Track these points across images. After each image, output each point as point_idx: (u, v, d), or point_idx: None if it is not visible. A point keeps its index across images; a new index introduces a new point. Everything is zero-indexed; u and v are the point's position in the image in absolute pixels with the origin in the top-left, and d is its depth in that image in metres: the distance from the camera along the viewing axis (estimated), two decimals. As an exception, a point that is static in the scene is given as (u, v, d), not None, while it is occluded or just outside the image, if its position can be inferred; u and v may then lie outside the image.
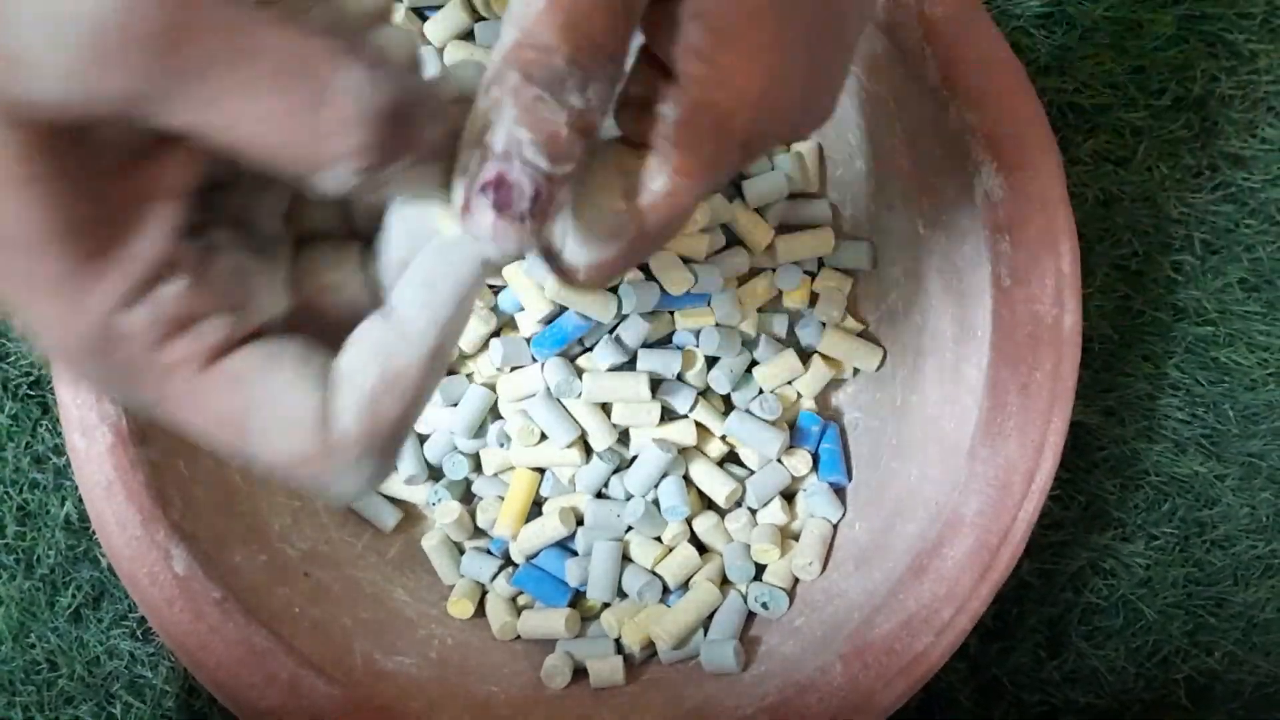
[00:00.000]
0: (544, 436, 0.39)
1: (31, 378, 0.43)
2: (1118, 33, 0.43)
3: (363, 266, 0.21)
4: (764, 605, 0.38)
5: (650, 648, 0.39)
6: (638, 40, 0.21)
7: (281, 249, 0.21)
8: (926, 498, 0.36)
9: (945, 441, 0.36)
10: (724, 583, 0.40)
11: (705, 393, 0.40)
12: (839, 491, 0.40)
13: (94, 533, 0.39)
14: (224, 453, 0.19)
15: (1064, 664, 0.42)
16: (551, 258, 0.22)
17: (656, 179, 0.21)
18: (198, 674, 0.33)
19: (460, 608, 0.40)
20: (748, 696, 0.34)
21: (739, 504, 0.40)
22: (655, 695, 0.37)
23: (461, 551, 0.41)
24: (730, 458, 0.41)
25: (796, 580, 0.39)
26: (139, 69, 0.15)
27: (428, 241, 0.20)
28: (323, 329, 0.21)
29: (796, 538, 0.40)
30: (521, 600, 0.40)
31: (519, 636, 0.39)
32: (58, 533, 0.42)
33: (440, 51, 0.39)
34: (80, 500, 0.41)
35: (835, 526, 0.40)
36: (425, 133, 0.18)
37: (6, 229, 0.17)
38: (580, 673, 0.38)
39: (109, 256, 0.17)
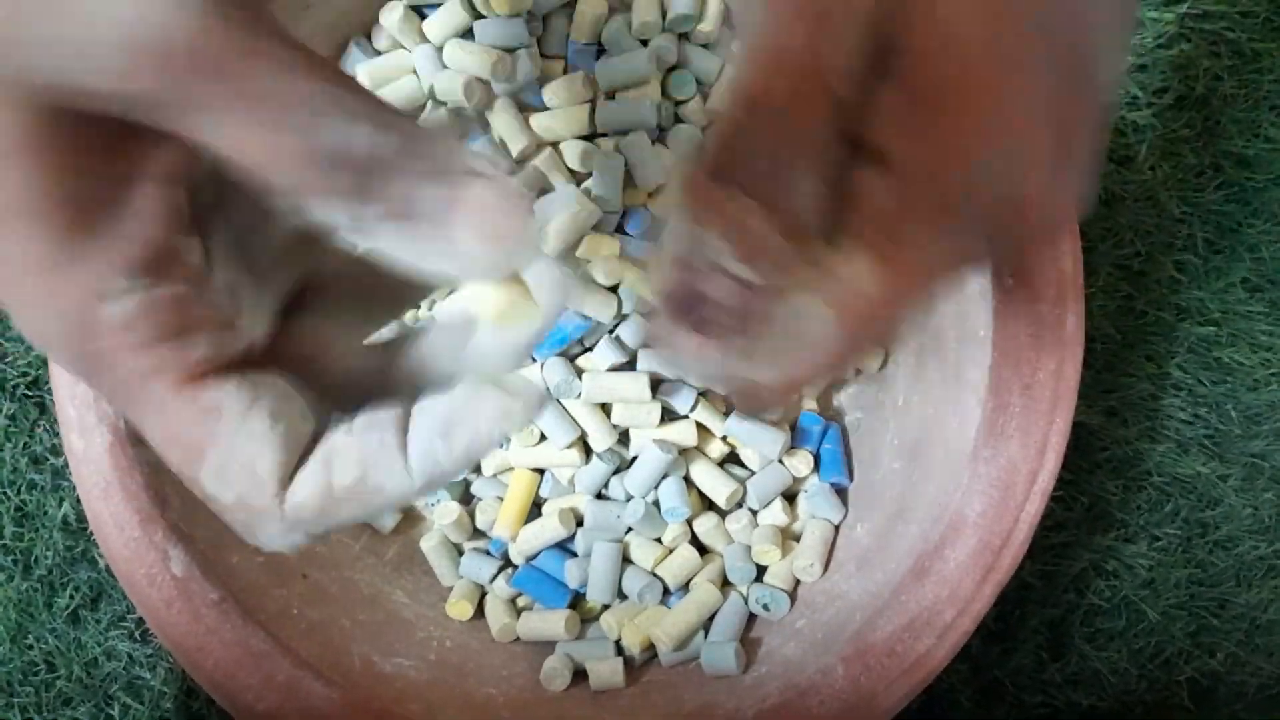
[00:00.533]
0: (543, 437, 0.39)
1: (29, 378, 0.42)
2: (1120, 31, 0.42)
3: (381, 351, 0.21)
4: (765, 607, 0.38)
5: (650, 649, 0.39)
6: None
7: (275, 275, 0.20)
8: (928, 499, 0.36)
9: (947, 442, 0.36)
10: (724, 584, 0.39)
11: (706, 393, 0.40)
12: (840, 492, 0.40)
13: (92, 534, 0.39)
14: (169, 464, 0.19)
15: (1066, 665, 0.42)
16: (731, 375, 0.19)
17: (869, 280, 0.17)
18: (195, 675, 0.33)
19: (459, 609, 0.40)
20: (748, 698, 0.34)
21: (740, 505, 0.40)
22: (655, 697, 0.37)
23: (460, 553, 0.41)
24: (731, 458, 0.41)
25: (798, 582, 0.39)
26: (164, 83, 0.16)
27: (463, 334, 0.19)
28: (316, 377, 0.20)
29: (797, 539, 0.40)
30: (521, 602, 0.40)
31: (518, 638, 0.39)
32: (55, 534, 0.42)
33: (439, 50, 0.39)
34: (78, 501, 0.41)
35: (836, 528, 0.40)
36: (395, 188, 0.17)
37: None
38: (580, 675, 0.38)
39: (98, 234, 0.17)
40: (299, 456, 0.19)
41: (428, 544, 0.40)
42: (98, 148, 0.17)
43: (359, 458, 0.19)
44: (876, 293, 0.17)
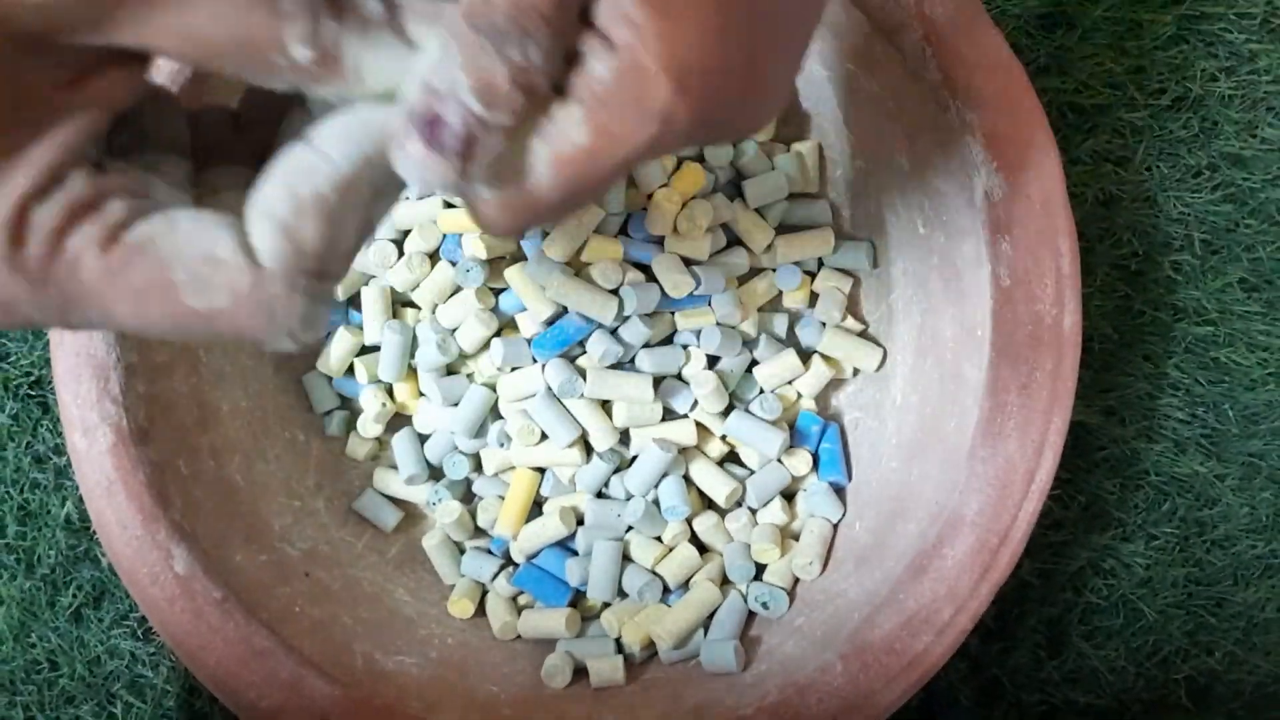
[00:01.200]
0: (544, 436, 0.39)
1: (32, 377, 0.43)
2: (1117, 33, 0.43)
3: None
4: (764, 605, 0.38)
5: (651, 647, 0.39)
6: None
7: (182, 195, 0.22)
8: (927, 497, 0.36)
9: (945, 441, 0.36)
10: (724, 583, 0.40)
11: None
12: (839, 491, 0.40)
13: (94, 532, 0.39)
14: (167, 329, 0.20)
15: (1064, 664, 0.42)
16: (467, 197, 0.22)
17: (578, 130, 0.21)
18: (198, 673, 0.33)
19: (461, 607, 0.40)
20: (748, 696, 0.34)
21: (739, 504, 0.40)
22: (655, 695, 0.37)
23: (462, 551, 0.41)
24: (730, 458, 0.41)
25: (797, 580, 0.39)
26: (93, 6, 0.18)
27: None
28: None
29: (797, 538, 0.40)
30: (522, 600, 0.40)
31: (519, 636, 0.40)
32: (58, 532, 0.42)
33: None
34: (81, 500, 0.41)
35: (835, 526, 0.40)
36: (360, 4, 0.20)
37: None
38: (580, 672, 0.38)
39: (25, 150, 0.19)
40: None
41: (429, 542, 0.41)
42: (31, 82, 0.19)
43: (283, 181, 0.20)
44: (583, 142, 0.21)
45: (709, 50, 0.21)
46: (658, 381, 0.39)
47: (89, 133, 0.20)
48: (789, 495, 0.41)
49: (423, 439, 0.41)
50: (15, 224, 0.19)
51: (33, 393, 0.43)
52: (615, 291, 0.38)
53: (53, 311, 0.20)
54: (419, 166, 0.20)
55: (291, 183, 0.20)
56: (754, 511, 0.40)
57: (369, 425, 0.41)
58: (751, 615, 0.39)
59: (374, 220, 0.22)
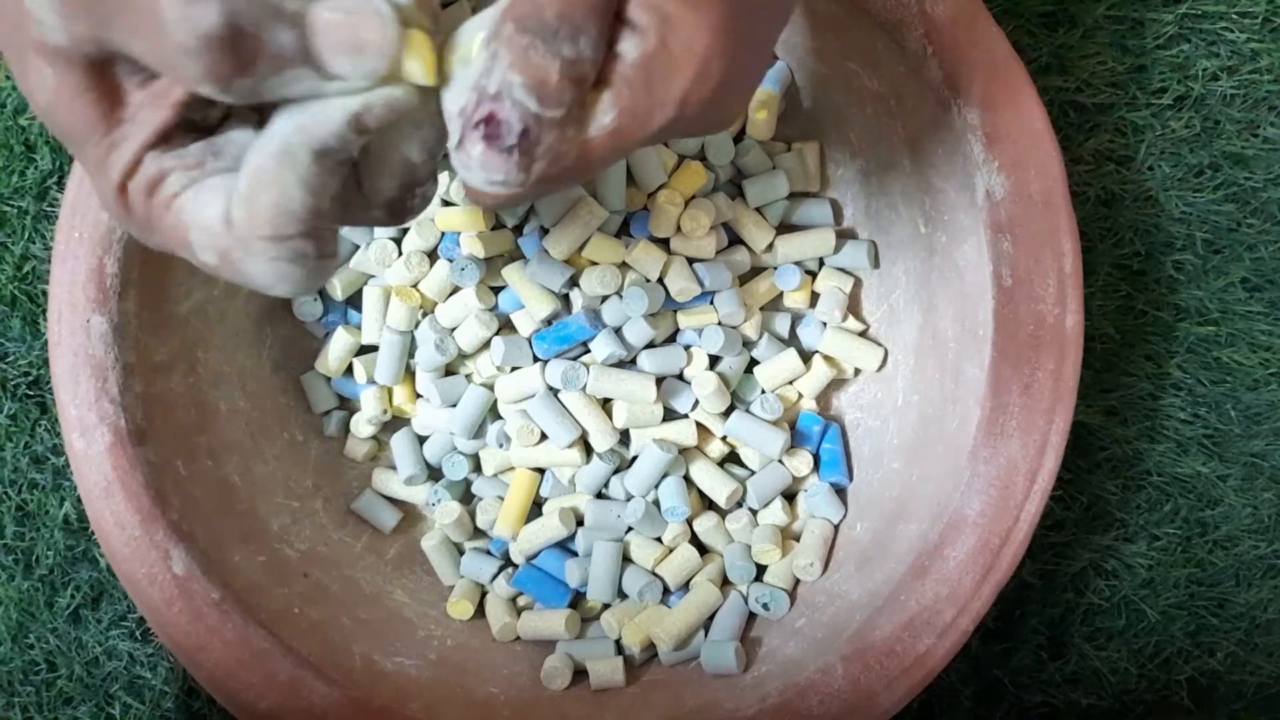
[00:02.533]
0: (544, 436, 0.39)
1: (30, 378, 0.43)
2: (1119, 32, 0.42)
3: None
4: (765, 606, 0.38)
5: (651, 649, 0.39)
6: None
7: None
8: (928, 498, 0.36)
9: (947, 441, 0.36)
10: (724, 583, 0.40)
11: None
12: (840, 492, 0.40)
13: (93, 533, 0.39)
14: (192, 260, 0.24)
15: (1066, 665, 0.42)
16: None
17: (607, 114, 0.23)
18: (196, 674, 0.33)
19: (460, 609, 0.40)
20: (748, 698, 0.34)
21: (740, 504, 0.40)
22: (656, 696, 0.37)
23: (461, 552, 0.41)
24: (731, 458, 0.41)
25: (797, 581, 0.39)
26: (83, 23, 0.22)
27: None
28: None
29: (797, 538, 0.40)
30: (521, 601, 0.40)
31: (518, 638, 0.39)
32: (56, 533, 0.42)
33: None
34: (79, 501, 0.41)
35: (836, 527, 0.40)
36: (268, 47, 0.22)
37: (65, 127, 0.24)
38: (581, 674, 0.38)
39: (120, 139, 0.24)
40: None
41: (428, 543, 0.41)
42: (118, 88, 0.24)
43: (245, 162, 0.24)
44: (609, 125, 0.23)
45: (724, 39, 0.23)
46: (659, 382, 0.39)
47: (164, 121, 0.24)
48: (790, 496, 0.41)
49: (421, 439, 0.41)
50: (116, 193, 0.24)
51: (31, 393, 0.43)
52: (618, 293, 0.38)
53: (155, 245, 0.25)
54: (481, 166, 0.22)
55: (250, 163, 0.23)
56: (755, 512, 0.40)
57: (362, 425, 0.41)
58: (752, 616, 0.39)
59: (328, 183, 0.24)
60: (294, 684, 0.33)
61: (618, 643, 0.39)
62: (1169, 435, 0.43)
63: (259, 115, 0.25)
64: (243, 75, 0.22)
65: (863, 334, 0.41)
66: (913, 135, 0.37)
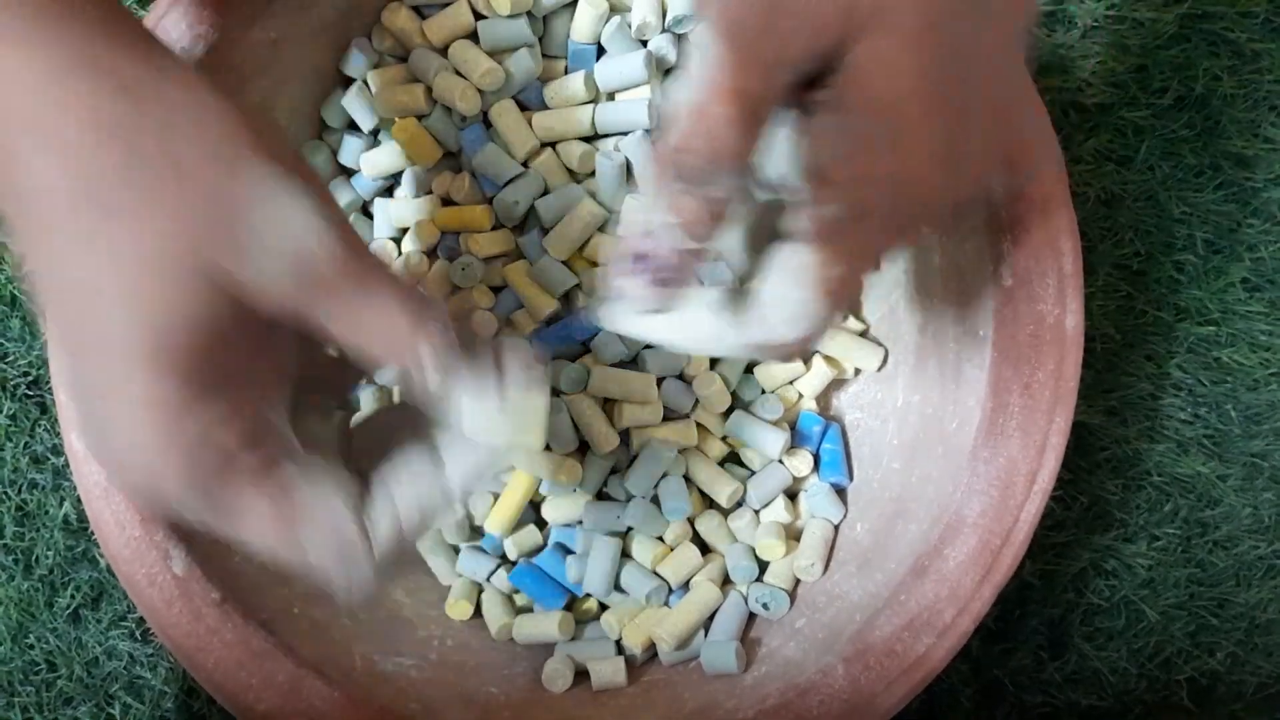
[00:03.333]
0: (547, 446, 0.39)
1: (30, 377, 0.42)
2: (1120, 32, 0.42)
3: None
4: (765, 606, 0.38)
5: (651, 649, 0.39)
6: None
7: (339, 409, 0.30)
8: (928, 498, 0.36)
9: (947, 442, 0.36)
10: (724, 583, 0.39)
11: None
12: (840, 492, 0.40)
13: (93, 533, 0.39)
14: (272, 549, 0.26)
15: (1066, 665, 0.42)
16: (764, 342, 0.28)
17: (833, 269, 0.26)
18: (196, 675, 0.33)
19: (459, 609, 0.40)
20: (749, 698, 0.34)
21: (740, 504, 0.40)
22: (656, 697, 0.37)
23: (457, 551, 0.41)
24: (731, 458, 0.41)
25: (797, 581, 0.39)
26: (319, 298, 0.24)
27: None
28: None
29: (798, 538, 0.40)
30: (519, 600, 0.40)
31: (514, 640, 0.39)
32: (56, 533, 0.42)
33: (444, 50, 0.39)
34: (79, 501, 0.41)
35: (837, 527, 0.40)
36: (474, 359, 0.26)
37: (155, 346, 0.23)
38: (581, 674, 0.38)
39: (228, 389, 0.24)
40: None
41: (423, 544, 0.40)
42: (236, 339, 0.24)
43: (414, 493, 0.27)
44: (837, 275, 0.26)
45: (927, 169, 0.25)
46: (659, 382, 0.39)
47: (278, 394, 0.26)
48: (790, 495, 0.40)
49: None
50: (197, 450, 0.24)
51: (31, 393, 0.43)
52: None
53: (202, 515, 0.25)
54: (637, 295, 0.26)
55: (419, 496, 0.27)
56: (757, 512, 0.40)
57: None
58: (752, 617, 0.39)
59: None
60: (294, 684, 0.33)
61: (618, 643, 0.39)
62: (1169, 435, 0.43)
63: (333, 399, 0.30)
64: (458, 368, 0.26)
65: (863, 334, 0.41)
66: (913, 135, 0.37)
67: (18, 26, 0.22)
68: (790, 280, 0.26)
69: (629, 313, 0.27)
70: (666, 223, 0.25)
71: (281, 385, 0.27)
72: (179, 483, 0.24)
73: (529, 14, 0.39)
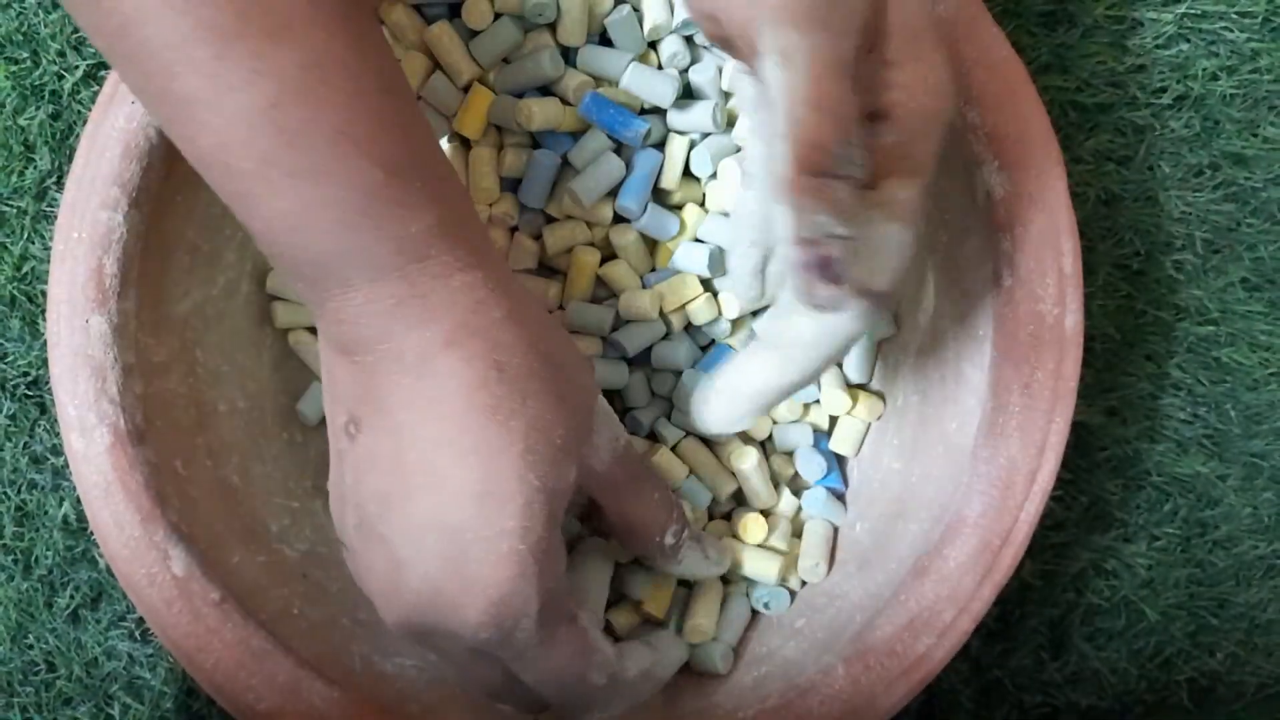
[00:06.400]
0: None
1: (29, 378, 0.42)
2: (1119, 31, 0.42)
3: None
4: (765, 605, 0.38)
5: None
6: None
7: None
8: (928, 498, 0.36)
9: (947, 441, 0.36)
10: (725, 583, 0.39)
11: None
12: (839, 493, 0.40)
13: (92, 534, 0.39)
14: (563, 689, 0.30)
15: (1066, 665, 0.42)
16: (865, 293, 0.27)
17: (905, 190, 0.27)
18: (196, 675, 0.33)
19: None
20: (749, 698, 0.34)
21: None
22: (656, 697, 0.37)
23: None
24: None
25: (804, 583, 0.39)
26: (619, 478, 0.32)
27: None
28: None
29: (799, 534, 0.40)
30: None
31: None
32: (56, 533, 0.42)
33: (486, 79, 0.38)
34: (78, 501, 0.41)
35: (836, 528, 0.40)
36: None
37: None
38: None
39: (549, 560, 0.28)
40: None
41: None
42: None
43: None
44: (911, 194, 0.27)
45: (939, 65, 0.27)
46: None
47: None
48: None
49: None
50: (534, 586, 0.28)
51: (30, 393, 0.43)
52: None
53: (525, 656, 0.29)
54: (839, 302, 0.26)
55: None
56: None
57: None
58: (753, 616, 0.39)
59: None
60: (294, 685, 0.33)
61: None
62: (1169, 435, 0.43)
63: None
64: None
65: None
66: (913, 135, 0.37)
67: (462, 256, 0.27)
68: (881, 224, 0.27)
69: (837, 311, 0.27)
70: (821, 221, 0.25)
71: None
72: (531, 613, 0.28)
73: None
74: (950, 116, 0.28)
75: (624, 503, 0.32)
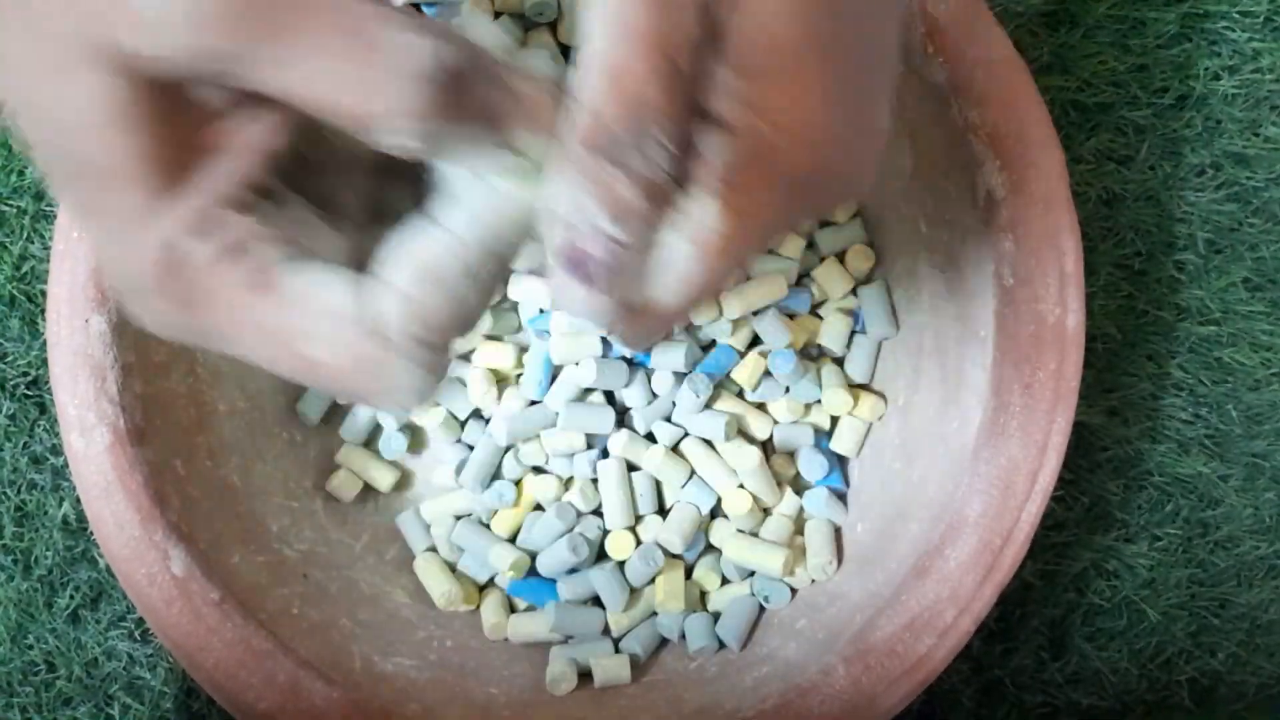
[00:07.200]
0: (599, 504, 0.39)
1: (29, 377, 0.42)
2: (1120, 31, 0.42)
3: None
4: (765, 599, 0.38)
5: (654, 646, 0.39)
6: None
7: (354, 230, 0.23)
8: (929, 498, 0.36)
9: (948, 441, 0.36)
10: (724, 582, 0.39)
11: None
12: (840, 493, 0.40)
13: (92, 533, 0.38)
14: (278, 368, 0.21)
15: (1067, 665, 0.42)
16: (627, 312, 0.22)
17: (717, 221, 0.21)
18: (196, 675, 0.33)
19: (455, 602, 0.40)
20: (749, 698, 0.34)
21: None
22: (656, 697, 0.37)
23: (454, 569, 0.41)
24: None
25: (813, 580, 0.39)
26: (229, 32, 0.18)
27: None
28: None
29: (801, 531, 0.40)
30: (518, 603, 0.40)
31: (508, 639, 0.39)
32: (55, 533, 0.42)
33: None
34: (78, 501, 0.41)
35: (838, 528, 0.40)
36: (479, 97, 0.20)
37: (96, 161, 0.19)
38: (581, 675, 0.38)
39: (181, 188, 0.20)
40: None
41: (419, 564, 0.40)
42: (190, 121, 0.20)
43: (408, 248, 0.21)
44: (725, 229, 0.21)
45: (817, 106, 0.21)
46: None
47: (241, 173, 0.20)
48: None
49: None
50: (166, 260, 0.20)
51: (30, 393, 0.43)
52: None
53: (196, 337, 0.21)
54: (587, 309, 0.21)
55: (418, 256, 0.21)
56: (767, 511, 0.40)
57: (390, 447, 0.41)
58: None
59: (494, 289, 0.22)
60: (294, 684, 0.33)
61: (615, 641, 0.39)
62: (1170, 435, 0.43)
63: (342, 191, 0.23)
64: (450, 123, 0.19)
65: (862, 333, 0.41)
66: (913, 134, 0.37)
67: None
68: (670, 237, 0.21)
69: (590, 318, 0.22)
70: (590, 209, 0.20)
71: (253, 169, 0.21)
72: (157, 309, 0.21)
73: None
74: (845, 189, 0.23)
75: (256, 70, 0.19)
